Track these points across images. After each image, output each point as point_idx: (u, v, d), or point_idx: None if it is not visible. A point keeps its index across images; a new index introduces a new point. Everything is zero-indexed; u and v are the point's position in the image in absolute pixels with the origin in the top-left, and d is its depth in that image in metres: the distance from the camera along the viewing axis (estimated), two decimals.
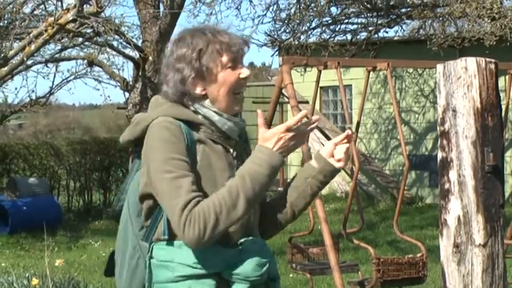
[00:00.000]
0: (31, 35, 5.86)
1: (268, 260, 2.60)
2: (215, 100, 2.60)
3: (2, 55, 6.16)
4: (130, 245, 2.65)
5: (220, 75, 2.58)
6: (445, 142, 2.82)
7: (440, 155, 2.83)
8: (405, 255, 5.95)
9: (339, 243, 6.34)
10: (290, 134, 2.53)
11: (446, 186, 2.78)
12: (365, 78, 6.24)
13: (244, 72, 2.62)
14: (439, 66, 2.81)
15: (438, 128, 2.82)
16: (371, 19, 13.10)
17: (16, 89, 17.81)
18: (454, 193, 2.75)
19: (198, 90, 2.60)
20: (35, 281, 6.81)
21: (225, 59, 2.58)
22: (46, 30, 5.56)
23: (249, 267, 2.54)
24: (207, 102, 2.60)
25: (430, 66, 8.10)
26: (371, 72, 6.20)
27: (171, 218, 2.45)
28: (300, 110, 6.19)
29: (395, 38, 14.67)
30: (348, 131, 2.71)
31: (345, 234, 5.89)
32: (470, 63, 2.70)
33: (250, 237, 2.59)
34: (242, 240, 2.57)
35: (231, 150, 2.65)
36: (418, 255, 5.71)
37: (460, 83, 2.72)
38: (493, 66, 2.71)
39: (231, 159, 2.63)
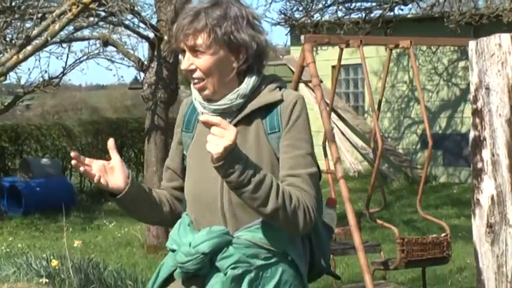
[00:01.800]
0: (53, 14, 5.81)
1: (199, 250, 2.45)
2: None
3: (26, 35, 6.11)
4: None
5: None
6: (477, 120, 2.76)
7: (472, 133, 2.77)
8: (427, 235, 5.92)
9: (360, 222, 6.30)
10: None
11: (479, 165, 2.73)
12: (387, 56, 6.18)
13: (182, 65, 2.55)
14: (472, 43, 2.75)
15: (471, 107, 2.76)
16: None
17: (29, 69, 17.75)
18: (488, 172, 2.70)
19: None
20: (54, 262, 6.82)
21: (179, 44, 2.53)
22: (70, 10, 5.50)
23: (178, 253, 2.51)
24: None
25: (452, 43, 8.02)
26: (383, 51, 6.13)
27: None
28: (311, 89, 6.13)
29: (410, 16, 14.55)
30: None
31: (368, 214, 5.86)
32: (504, 39, 2.64)
33: (211, 227, 2.49)
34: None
35: None
36: (442, 235, 5.68)
37: (494, 60, 2.67)
38: None
39: None
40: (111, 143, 2.55)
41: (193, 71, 2.50)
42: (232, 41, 2.46)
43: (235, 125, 2.49)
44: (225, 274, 2.46)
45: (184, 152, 2.62)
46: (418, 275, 6.70)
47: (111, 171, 2.54)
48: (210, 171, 2.40)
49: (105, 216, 12.91)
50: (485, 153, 2.73)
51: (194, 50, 2.49)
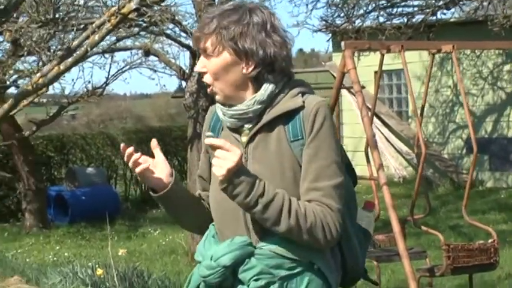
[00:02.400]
0: (93, 25, 5.86)
1: (220, 264, 2.42)
2: None
3: (67, 46, 6.19)
4: None
5: None
6: None
7: None
8: (473, 241, 5.84)
9: (404, 229, 6.24)
10: None
11: None
12: (429, 61, 6.11)
13: (195, 66, 2.61)
14: None
15: None
16: (428, 1, 12.87)
17: (73, 80, 18.02)
18: None
19: None
20: (99, 271, 6.87)
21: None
22: (109, 20, 5.55)
23: (200, 267, 2.49)
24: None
25: (496, 47, 7.91)
26: (426, 56, 6.07)
27: None
28: (353, 94, 6.09)
29: (453, 20, 14.40)
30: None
31: (413, 220, 5.80)
32: None
33: (232, 238, 2.46)
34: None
35: (243, 139, 2.51)
36: (489, 241, 5.59)
37: None
38: None
39: (239, 147, 2.46)
40: (154, 143, 2.58)
41: (204, 74, 2.52)
42: (238, 46, 2.44)
43: (257, 133, 2.49)
44: (248, 286, 2.43)
45: (211, 160, 2.56)
46: (465, 282, 6.60)
47: (155, 168, 2.58)
48: None
49: (150, 224, 12.98)
50: None
51: (206, 53, 2.50)
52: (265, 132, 2.49)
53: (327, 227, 2.39)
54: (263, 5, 2.55)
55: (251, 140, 2.50)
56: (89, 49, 5.91)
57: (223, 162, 2.30)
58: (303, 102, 2.47)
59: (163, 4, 7.97)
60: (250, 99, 2.48)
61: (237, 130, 2.54)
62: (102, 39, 6.10)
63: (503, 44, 7.74)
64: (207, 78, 2.51)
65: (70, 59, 5.84)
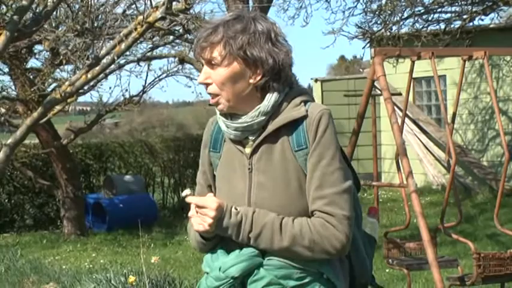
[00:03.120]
0: (121, 34, 5.92)
1: (228, 275, 2.42)
2: None
3: (94, 55, 6.25)
4: None
5: None
6: None
7: None
8: (507, 250, 5.74)
9: (436, 237, 6.17)
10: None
11: None
12: (460, 68, 6.04)
13: (199, 77, 2.54)
14: None
15: None
16: (465, 7, 12.75)
17: (110, 88, 18.21)
18: None
19: None
20: (131, 278, 6.91)
21: (197, 56, 2.55)
22: (136, 29, 5.60)
23: (209, 279, 2.48)
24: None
25: None
26: (466, 62, 6.00)
27: None
28: (393, 102, 6.05)
29: (491, 26, 14.24)
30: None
31: (443, 229, 5.73)
32: None
33: (242, 248, 2.45)
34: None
35: (247, 151, 2.50)
36: None
37: None
38: None
39: (242, 159, 2.50)
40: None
41: (209, 85, 2.49)
42: (247, 55, 2.43)
43: (260, 143, 2.49)
44: None
45: (215, 173, 2.59)
46: None
47: None
48: (237, 191, 2.46)
49: (186, 231, 13.01)
50: None
51: (210, 63, 2.47)
52: (269, 142, 2.48)
53: (330, 239, 2.39)
54: (263, 14, 2.55)
55: (255, 151, 2.49)
56: (115, 58, 5.96)
57: (203, 218, 2.40)
58: (306, 111, 2.47)
59: (191, 12, 7.99)
60: (255, 111, 2.47)
61: (240, 142, 2.53)
62: (128, 48, 6.14)
63: None
64: (212, 89, 2.48)
65: (97, 68, 5.90)
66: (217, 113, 2.55)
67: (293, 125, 2.47)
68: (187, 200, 2.43)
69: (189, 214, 2.45)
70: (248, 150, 2.50)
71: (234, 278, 2.42)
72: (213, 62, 2.46)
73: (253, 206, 2.45)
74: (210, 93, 2.50)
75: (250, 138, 2.51)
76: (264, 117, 2.47)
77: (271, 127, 2.47)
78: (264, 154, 2.47)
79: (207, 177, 2.62)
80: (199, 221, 2.40)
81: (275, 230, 2.39)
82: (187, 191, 2.43)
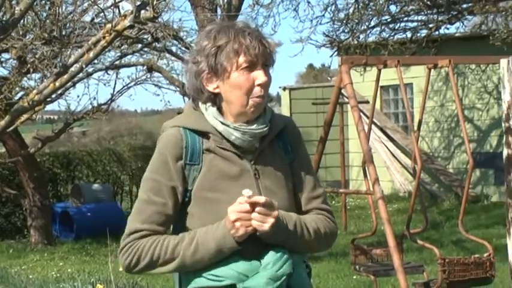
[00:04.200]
0: (89, 42, 5.92)
1: (284, 273, 2.45)
2: (228, 101, 2.52)
3: (62, 63, 6.25)
4: None
5: (234, 76, 2.49)
6: (510, 139, 2.73)
7: (506, 152, 2.75)
8: (471, 255, 5.83)
9: (402, 243, 6.24)
10: (248, 216, 2.40)
11: None
12: (426, 76, 6.13)
13: (259, 79, 2.49)
14: (503, 61, 2.73)
15: (503, 125, 2.73)
16: (431, 16, 12.89)
17: (78, 96, 18.17)
18: None
19: (211, 88, 2.52)
20: (99, 287, 6.88)
21: (241, 59, 2.47)
22: (104, 37, 5.60)
23: (261, 280, 2.43)
24: (213, 109, 2.53)
25: (492, 61, 7.94)
26: (432, 70, 6.09)
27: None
28: (360, 110, 6.12)
29: (457, 35, 14.43)
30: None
31: (409, 235, 5.80)
32: None
33: (272, 249, 2.47)
34: (263, 252, 2.48)
35: (249, 158, 2.53)
36: (485, 254, 5.59)
37: None
38: None
39: (245, 165, 2.52)
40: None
41: (264, 85, 2.52)
42: (273, 65, 2.58)
43: (263, 151, 2.56)
44: None
45: (188, 187, 2.52)
46: None
47: None
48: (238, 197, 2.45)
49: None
50: None
51: (265, 67, 2.53)
52: (269, 150, 2.59)
53: (333, 231, 2.63)
54: None
55: (259, 156, 2.56)
56: (84, 66, 5.97)
57: (264, 218, 2.40)
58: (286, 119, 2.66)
59: (160, 20, 8.02)
60: (265, 117, 2.56)
61: (240, 149, 2.54)
62: (97, 56, 6.15)
63: (498, 59, 7.75)
64: (265, 91, 2.53)
65: (65, 76, 5.89)
66: (217, 119, 2.52)
67: (279, 133, 2.61)
68: (253, 199, 2.37)
69: (233, 218, 2.38)
70: (250, 156, 2.55)
71: (288, 275, 2.46)
72: (267, 67, 2.53)
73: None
74: (261, 96, 2.52)
75: (255, 145, 2.57)
76: (269, 124, 2.57)
77: (272, 133, 2.58)
78: (266, 160, 2.55)
79: (174, 192, 2.50)
80: (260, 220, 2.39)
81: (303, 226, 2.52)
82: (249, 191, 2.39)
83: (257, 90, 2.50)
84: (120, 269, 7.19)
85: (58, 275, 9.86)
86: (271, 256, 2.46)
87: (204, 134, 2.53)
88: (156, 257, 2.44)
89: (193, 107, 2.58)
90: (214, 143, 2.52)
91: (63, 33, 9.79)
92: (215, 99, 2.54)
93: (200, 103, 2.56)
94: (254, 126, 2.52)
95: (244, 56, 2.48)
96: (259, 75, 2.50)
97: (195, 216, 2.50)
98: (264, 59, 2.51)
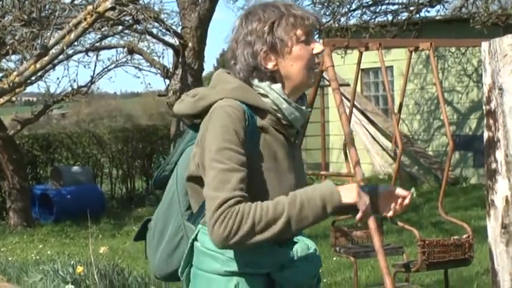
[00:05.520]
0: (70, 24, 5.88)
1: (319, 268, 2.51)
2: (288, 76, 2.49)
3: (43, 45, 6.19)
4: (174, 223, 2.56)
5: (295, 49, 2.47)
6: (491, 121, 2.74)
7: (486, 134, 2.76)
8: (451, 237, 5.87)
9: (382, 225, 6.28)
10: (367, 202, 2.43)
11: (493, 166, 2.70)
12: (407, 59, 6.14)
13: (317, 48, 2.51)
14: (484, 44, 2.73)
15: (484, 107, 2.74)
16: None
17: (58, 78, 18.06)
18: (501, 173, 2.67)
19: (270, 66, 2.48)
20: (79, 269, 6.87)
21: (299, 32, 2.46)
22: (85, 19, 5.56)
23: (303, 275, 2.45)
24: (277, 86, 2.48)
25: (473, 44, 7.96)
26: (413, 53, 6.10)
27: (208, 209, 2.33)
28: (341, 93, 6.13)
29: (437, 18, 14.46)
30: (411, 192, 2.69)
31: (389, 217, 5.82)
32: None
33: (303, 239, 2.50)
34: (295, 239, 2.48)
35: (292, 140, 2.55)
36: (464, 236, 5.63)
37: (507, 61, 2.64)
38: None
39: (290, 149, 2.53)
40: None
41: (320, 54, 2.58)
42: None
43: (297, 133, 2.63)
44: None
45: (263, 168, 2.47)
46: (443, 277, 6.65)
47: None
48: (289, 182, 2.49)
49: (135, 222, 12.98)
50: (499, 154, 2.71)
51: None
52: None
53: None
54: None
55: (295, 140, 2.59)
56: (65, 48, 5.92)
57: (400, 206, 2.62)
58: None
59: (141, 2, 7.98)
60: (304, 99, 2.61)
61: (290, 131, 2.55)
62: (77, 38, 6.12)
63: (479, 42, 7.78)
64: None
65: (46, 58, 5.85)
66: (283, 97, 2.50)
67: None
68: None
69: (364, 208, 2.42)
70: (292, 138, 2.56)
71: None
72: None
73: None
74: (319, 64, 2.63)
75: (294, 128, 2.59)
76: None
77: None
78: (297, 142, 2.60)
79: (246, 162, 2.40)
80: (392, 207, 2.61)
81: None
82: (413, 190, 2.54)
83: (315, 60, 2.52)
84: (101, 251, 7.16)
85: (38, 257, 9.83)
86: (306, 249, 2.48)
87: (261, 112, 2.48)
88: (258, 219, 2.29)
89: (239, 77, 2.51)
90: (268, 121, 2.49)
91: (43, 14, 9.70)
92: (274, 77, 2.50)
93: (257, 81, 2.50)
94: (304, 107, 2.54)
95: (300, 28, 2.48)
96: (316, 45, 2.52)
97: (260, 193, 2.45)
98: (315, 29, 2.54)
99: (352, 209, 2.40)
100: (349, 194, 2.37)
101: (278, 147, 2.49)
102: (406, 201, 2.63)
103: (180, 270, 2.55)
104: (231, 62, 2.53)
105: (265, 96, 2.49)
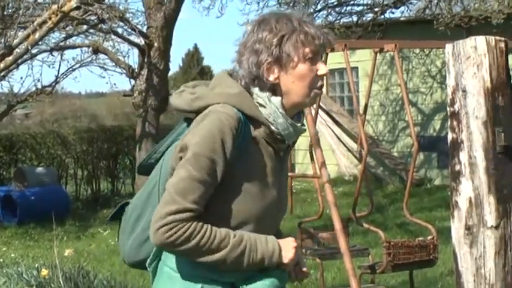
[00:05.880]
0: (35, 23, 5.83)
1: (284, 285, 2.56)
2: (287, 92, 2.48)
3: (7, 44, 6.12)
4: (150, 214, 2.52)
5: (300, 67, 2.46)
6: (455, 123, 2.76)
7: (450, 136, 2.78)
8: (415, 238, 5.91)
9: (348, 227, 6.30)
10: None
11: (457, 167, 2.73)
12: (372, 60, 6.17)
13: (322, 70, 2.49)
14: (448, 46, 2.75)
15: (448, 109, 2.76)
16: (377, 0, 13.01)
17: (22, 78, 17.81)
18: (465, 175, 2.70)
19: (272, 78, 2.47)
20: (44, 272, 6.81)
21: (307, 50, 2.45)
22: (50, 18, 5.51)
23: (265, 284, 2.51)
24: (277, 99, 2.47)
25: (437, 46, 8.04)
26: (377, 54, 6.13)
27: (161, 206, 2.39)
28: None
29: (402, 19, 14.57)
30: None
31: (355, 218, 5.85)
32: (479, 42, 2.65)
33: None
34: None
35: (281, 154, 2.56)
36: (429, 237, 5.68)
37: (470, 63, 2.67)
38: (502, 44, 2.66)
39: (277, 164, 2.54)
40: None
41: (325, 76, 2.56)
42: None
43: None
44: None
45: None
46: (408, 278, 6.69)
47: None
48: (272, 196, 2.51)
49: (100, 224, 12.89)
50: (463, 156, 2.73)
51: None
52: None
53: None
54: None
55: (284, 155, 2.60)
56: (29, 47, 5.86)
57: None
58: None
59: (106, 1, 7.93)
60: (301, 115, 2.62)
61: (280, 145, 2.56)
62: (42, 37, 6.07)
63: (443, 44, 7.85)
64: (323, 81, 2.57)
65: (10, 57, 5.78)
66: (283, 113, 2.50)
67: None
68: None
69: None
70: (281, 153, 2.57)
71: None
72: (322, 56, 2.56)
73: (281, 211, 2.60)
74: (322, 86, 2.55)
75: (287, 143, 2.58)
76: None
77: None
78: (285, 158, 2.62)
79: (221, 173, 2.43)
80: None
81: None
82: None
83: (317, 81, 2.49)
84: (66, 254, 7.09)
85: (1, 260, 9.71)
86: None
87: (255, 122, 2.49)
88: (203, 244, 2.37)
89: (240, 83, 2.51)
90: (262, 134, 2.50)
91: (6, 13, 9.60)
92: (275, 90, 2.49)
93: (257, 90, 2.49)
94: (299, 124, 2.54)
95: (309, 46, 2.46)
96: (321, 66, 2.49)
97: (218, 200, 2.45)
98: (324, 49, 2.51)
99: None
100: (288, 254, 2.50)
101: (266, 160, 2.51)
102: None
103: (148, 262, 2.59)
104: (236, 65, 2.54)
105: (263, 106, 2.49)
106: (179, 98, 2.58)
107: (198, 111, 2.50)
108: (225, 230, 2.42)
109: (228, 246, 2.40)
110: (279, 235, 2.61)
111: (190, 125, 2.53)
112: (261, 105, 2.48)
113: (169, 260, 2.51)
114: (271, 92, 2.48)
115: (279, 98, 2.48)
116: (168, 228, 2.35)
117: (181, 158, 2.44)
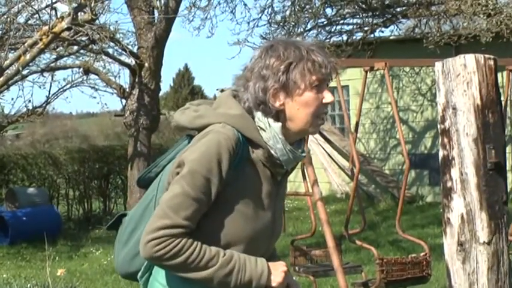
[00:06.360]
0: (26, 44, 5.85)
1: None
2: (292, 118, 2.50)
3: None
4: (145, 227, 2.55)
5: (306, 94, 2.49)
6: (446, 140, 2.79)
7: (441, 153, 2.80)
8: (408, 255, 5.92)
9: (341, 244, 6.31)
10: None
11: (449, 184, 2.75)
12: (363, 79, 6.21)
13: (328, 98, 2.52)
14: (438, 64, 2.78)
15: (439, 126, 2.78)
16: (366, 19, 13.10)
17: (12, 99, 17.84)
18: (457, 191, 2.72)
19: (277, 104, 2.49)
20: None
21: (314, 78, 2.48)
22: (41, 39, 5.54)
23: None
24: (277, 125, 2.49)
25: (427, 64, 8.09)
26: (368, 73, 6.17)
27: (153, 219, 2.42)
28: None
29: (391, 38, 14.66)
30: None
31: (347, 236, 5.87)
32: (469, 60, 2.68)
33: None
34: None
35: (278, 178, 2.57)
36: (422, 254, 5.69)
37: (460, 80, 2.69)
38: (492, 62, 2.69)
39: (274, 187, 2.56)
40: None
41: (330, 105, 2.60)
42: None
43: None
44: None
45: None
46: None
47: None
48: (266, 220, 2.53)
49: (92, 243, 12.86)
50: (454, 172, 2.75)
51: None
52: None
53: None
54: None
55: (281, 180, 2.60)
56: (20, 68, 5.88)
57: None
58: None
59: (98, 23, 7.97)
60: (302, 142, 2.64)
61: (278, 169, 2.56)
62: (33, 58, 6.09)
63: (432, 62, 7.91)
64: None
65: (1, 79, 5.80)
66: (283, 140, 2.51)
67: None
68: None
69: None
70: (279, 177, 2.58)
71: None
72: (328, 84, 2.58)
73: (275, 233, 2.63)
74: (326, 114, 2.58)
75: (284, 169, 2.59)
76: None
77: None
78: (283, 182, 2.63)
79: (216, 193, 2.46)
80: None
81: None
82: None
83: (323, 110, 2.53)
84: (58, 274, 7.07)
85: None
86: None
87: (255, 145, 2.51)
88: (191, 260, 2.40)
89: (244, 106, 2.53)
90: (260, 157, 2.51)
91: None
92: (279, 116, 2.50)
93: (260, 114, 2.51)
94: (299, 151, 2.54)
95: (316, 75, 2.48)
96: (327, 95, 2.52)
97: (209, 218, 2.48)
98: (330, 78, 2.54)
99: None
100: (276, 278, 2.54)
101: (263, 182, 2.52)
102: None
103: (139, 274, 2.62)
104: (241, 89, 2.55)
105: (264, 130, 2.50)
106: (183, 115, 2.60)
107: (199, 129, 2.53)
108: (215, 249, 2.44)
109: (216, 265, 2.42)
110: (274, 258, 2.65)
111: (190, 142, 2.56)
112: (261, 128, 2.50)
113: (160, 276, 2.54)
114: (274, 118, 2.50)
115: (279, 124, 2.49)
116: (158, 242, 2.39)
117: (177, 173, 2.46)
